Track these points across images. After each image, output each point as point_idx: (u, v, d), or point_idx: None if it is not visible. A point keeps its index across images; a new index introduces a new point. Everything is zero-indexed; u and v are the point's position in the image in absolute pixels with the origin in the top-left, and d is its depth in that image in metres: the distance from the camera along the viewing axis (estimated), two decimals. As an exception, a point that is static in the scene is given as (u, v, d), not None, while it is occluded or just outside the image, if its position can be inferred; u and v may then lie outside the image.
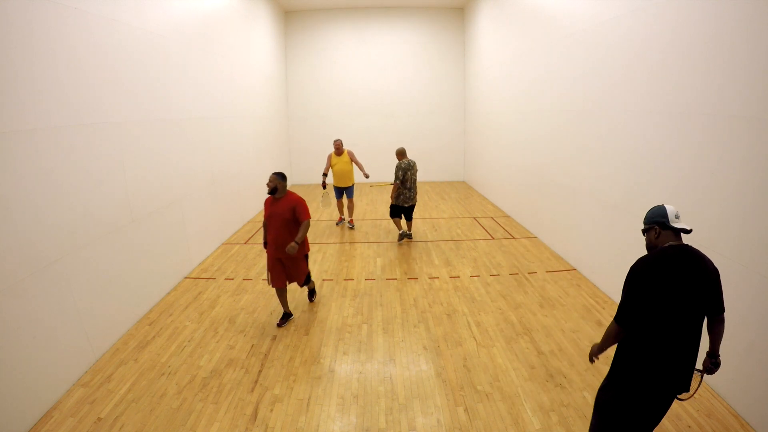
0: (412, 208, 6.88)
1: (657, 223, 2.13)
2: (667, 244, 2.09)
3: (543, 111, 6.78)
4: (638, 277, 2.04)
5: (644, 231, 2.22)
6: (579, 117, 5.53)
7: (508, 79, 8.58)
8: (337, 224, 8.14)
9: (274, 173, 4.18)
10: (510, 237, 7.25)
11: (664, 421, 2.89)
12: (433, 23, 12.36)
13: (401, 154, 6.78)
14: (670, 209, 2.13)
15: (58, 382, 3.36)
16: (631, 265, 2.10)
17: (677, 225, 2.10)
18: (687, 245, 2.09)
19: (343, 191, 7.85)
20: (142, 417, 3.12)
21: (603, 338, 2.24)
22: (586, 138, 5.34)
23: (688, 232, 2.09)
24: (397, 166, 6.63)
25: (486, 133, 10.52)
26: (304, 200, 4.21)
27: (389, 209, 6.98)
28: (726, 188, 3.14)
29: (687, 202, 3.47)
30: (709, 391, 3.26)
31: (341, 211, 8.13)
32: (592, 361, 2.40)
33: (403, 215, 6.94)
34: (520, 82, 7.89)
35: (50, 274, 3.31)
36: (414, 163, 6.77)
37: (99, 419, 3.10)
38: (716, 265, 2.12)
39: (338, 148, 7.57)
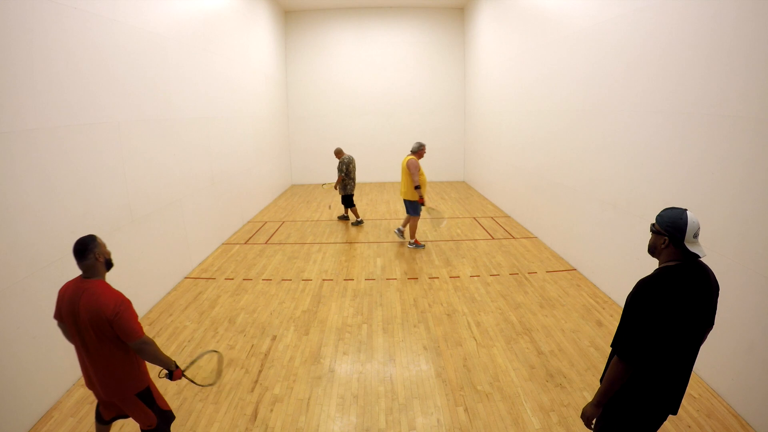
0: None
1: (670, 235, 1.83)
2: (672, 263, 1.85)
3: (543, 111, 6.78)
4: (645, 305, 1.79)
5: (653, 231, 1.92)
6: (579, 117, 5.53)
7: (509, 79, 8.58)
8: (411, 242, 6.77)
9: (94, 238, 2.26)
10: (510, 237, 7.25)
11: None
12: (433, 23, 12.36)
13: (339, 152, 8.17)
14: (692, 224, 1.80)
15: (58, 382, 3.36)
16: (633, 291, 1.86)
17: (691, 248, 1.80)
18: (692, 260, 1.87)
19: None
20: (142, 417, 3.11)
21: (606, 386, 1.93)
22: (587, 138, 5.34)
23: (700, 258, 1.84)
24: (340, 162, 7.95)
25: (486, 133, 10.52)
26: (127, 301, 2.23)
27: (342, 200, 8.12)
28: (727, 189, 3.14)
29: (687, 202, 3.46)
30: (709, 391, 3.27)
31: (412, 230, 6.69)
32: (589, 427, 2.08)
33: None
34: (520, 82, 7.89)
35: (50, 274, 3.31)
36: (353, 158, 8.07)
37: (99, 419, 3.10)
38: (717, 265, 2.08)
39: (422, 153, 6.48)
